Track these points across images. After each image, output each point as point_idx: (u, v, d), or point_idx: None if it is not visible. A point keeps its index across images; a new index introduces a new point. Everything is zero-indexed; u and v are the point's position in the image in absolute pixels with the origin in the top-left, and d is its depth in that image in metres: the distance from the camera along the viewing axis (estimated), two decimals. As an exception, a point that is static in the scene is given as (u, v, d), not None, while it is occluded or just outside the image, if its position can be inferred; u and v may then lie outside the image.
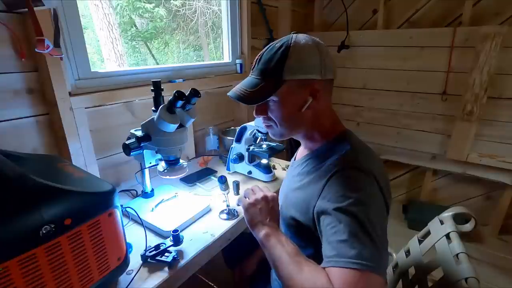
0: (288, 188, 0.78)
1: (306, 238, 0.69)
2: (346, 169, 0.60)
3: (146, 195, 1.07)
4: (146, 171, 1.04)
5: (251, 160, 1.29)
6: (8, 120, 0.89)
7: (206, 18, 3.77)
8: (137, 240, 0.86)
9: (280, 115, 0.69)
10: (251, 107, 0.72)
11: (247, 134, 1.26)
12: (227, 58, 1.75)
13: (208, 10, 3.71)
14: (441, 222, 0.88)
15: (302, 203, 0.67)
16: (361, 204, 0.55)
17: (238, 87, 0.71)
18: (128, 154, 0.91)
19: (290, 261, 0.58)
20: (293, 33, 0.68)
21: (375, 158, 0.68)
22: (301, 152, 0.81)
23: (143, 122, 0.92)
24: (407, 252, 0.97)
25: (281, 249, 0.60)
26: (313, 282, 0.52)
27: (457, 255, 0.75)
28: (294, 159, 0.86)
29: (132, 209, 0.92)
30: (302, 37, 0.66)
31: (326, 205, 0.59)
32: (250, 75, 0.71)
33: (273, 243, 0.63)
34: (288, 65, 0.64)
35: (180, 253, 0.81)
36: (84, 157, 1.05)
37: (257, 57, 0.70)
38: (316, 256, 0.69)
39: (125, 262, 0.70)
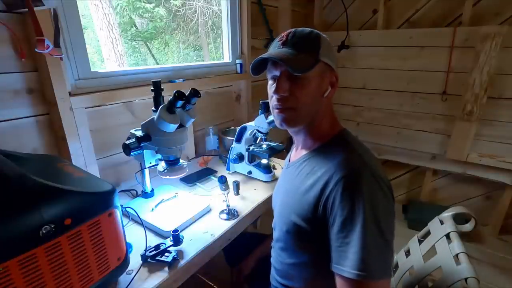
0: (287, 191, 0.75)
1: (307, 243, 0.68)
2: (350, 175, 0.60)
3: (146, 195, 1.07)
4: (146, 171, 1.04)
5: (251, 160, 1.29)
6: (8, 120, 0.89)
7: (206, 18, 3.77)
8: (137, 240, 0.86)
9: (307, 94, 0.66)
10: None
11: (247, 134, 1.26)
12: (227, 58, 1.75)
13: (208, 10, 3.71)
14: (441, 222, 0.88)
15: (306, 207, 0.65)
16: (371, 212, 0.56)
17: (276, 51, 0.67)
18: (128, 154, 0.91)
19: None
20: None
21: (373, 157, 0.68)
22: (297, 152, 0.79)
23: (143, 122, 0.92)
24: (407, 252, 0.97)
25: None
26: None
27: (457, 255, 0.75)
28: (289, 161, 0.84)
29: (132, 209, 0.92)
30: (317, 31, 0.69)
31: (335, 212, 0.59)
32: (279, 47, 0.67)
33: None
34: (323, 48, 0.66)
35: (180, 253, 0.81)
36: (84, 157, 1.05)
37: (287, 32, 0.68)
38: (310, 265, 0.70)
39: (125, 262, 0.70)
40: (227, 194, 1.00)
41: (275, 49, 0.68)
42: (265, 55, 0.66)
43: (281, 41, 0.67)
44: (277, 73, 0.67)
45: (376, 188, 0.59)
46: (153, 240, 0.87)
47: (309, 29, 0.68)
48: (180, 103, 0.87)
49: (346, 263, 0.56)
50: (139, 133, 0.94)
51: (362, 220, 0.55)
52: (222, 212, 1.02)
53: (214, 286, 1.41)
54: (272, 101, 0.70)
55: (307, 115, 0.69)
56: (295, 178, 0.74)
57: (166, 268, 0.76)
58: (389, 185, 0.63)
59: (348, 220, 0.57)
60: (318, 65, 0.65)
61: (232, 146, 1.31)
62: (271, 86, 0.70)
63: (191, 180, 1.24)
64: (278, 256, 0.79)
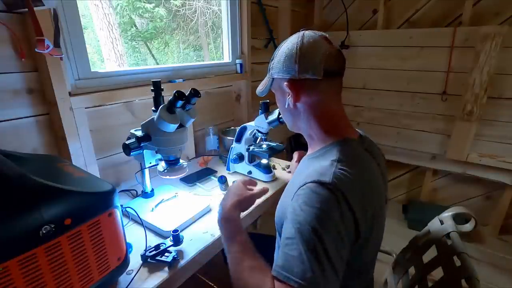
0: (287, 187, 0.78)
1: None
2: (314, 183, 0.57)
3: (146, 195, 1.07)
4: (146, 171, 1.04)
5: (251, 160, 1.29)
6: (8, 120, 0.89)
7: (206, 18, 3.76)
8: (137, 240, 0.86)
9: (279, 107, 0.79)
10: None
11: (247, 134, 1.26)
12: (227, 58, 1.75)
13: (208, 10, 3.70)
14: (441, 222, 0.88)
15: (284, 209, 0.65)
16: (317, 224, 0.52)
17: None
18: (128, 154, 0.91)
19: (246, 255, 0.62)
20: (302, 30, 0.70)
21: (360, 174, 0.62)
22: None
23: (143, 122, 0.92)
24: (407, 252, 0.97)
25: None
26: (257, 284, 0.55)
27: (457, 255, 0.75)
28: None
29: (132, 209, 0.92)
30: (293, 37, 0.69)
31: (288, 215, 0.57)
32: None
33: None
34: (273, 64, 0.71)
35: (180, 253, 0.81)
36: (84, 157, 1.05)
37: None
38: None
39: (125, 262, 0.71)
40: (227, 194, 0.99)
41: None
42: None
43: None
44: None
45: (331, 204, 0.54)
46: (153, 240, 0.87)
47: (281, 43, 0.71)
48: (180, 103, 0.87)
49: (281, 264, 0.53)
50: (139, 133, 0.94)
51: (304, 233, 0.52)
52: (222, 212, 1.01)
53: (214, 286, 1.41)
54: None
55: (289, 123, 0.78)
56: (291, 180, 0.77)
57: (166, 268, 0.76)
58: (353, 202, 0.56)
59: (293, 227, 0.54)
60: (274, 82, 0.73)
61: (232, 146, 1.31)
62: None
63: (191, 180, 1.24)
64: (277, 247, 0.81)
